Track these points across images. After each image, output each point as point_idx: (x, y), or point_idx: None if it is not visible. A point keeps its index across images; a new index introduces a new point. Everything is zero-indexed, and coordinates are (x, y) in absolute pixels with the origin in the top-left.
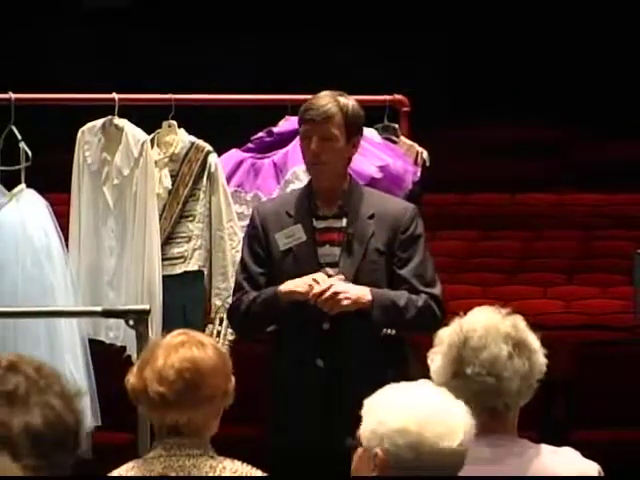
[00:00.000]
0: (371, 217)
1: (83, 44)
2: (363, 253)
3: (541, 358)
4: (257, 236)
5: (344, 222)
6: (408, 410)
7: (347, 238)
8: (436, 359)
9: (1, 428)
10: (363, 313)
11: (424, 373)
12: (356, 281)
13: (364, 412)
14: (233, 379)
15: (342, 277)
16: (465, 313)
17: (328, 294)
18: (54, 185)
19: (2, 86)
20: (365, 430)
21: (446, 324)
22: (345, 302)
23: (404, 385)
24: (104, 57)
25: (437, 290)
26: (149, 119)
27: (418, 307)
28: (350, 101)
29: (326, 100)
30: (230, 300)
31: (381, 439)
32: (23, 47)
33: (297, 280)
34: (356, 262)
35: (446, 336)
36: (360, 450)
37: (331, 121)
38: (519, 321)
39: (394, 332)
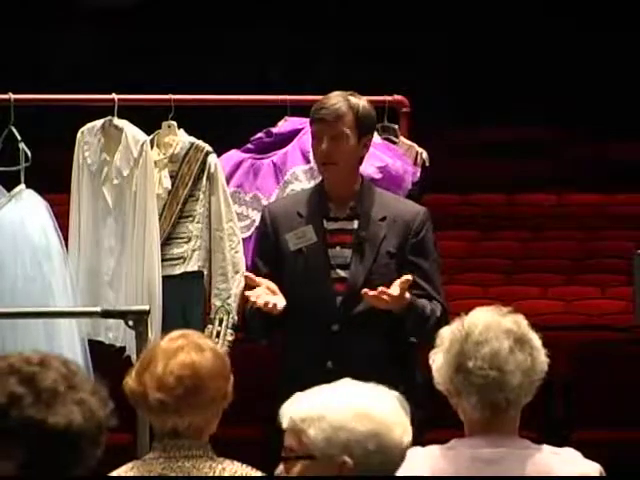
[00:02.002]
0: (383, 220)
1: (83, 44)
2: (374, 256)
3: (542, 356)
4: (267, 236)
5: (355, 224)
6: (368, 412)
7: (358, 241)
8: (437, 358)
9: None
10: (375, 314)
11: (427, 375)
12: (367, 284)
13: (302, 421)
14: (232, 379)
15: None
16: (466, 313)
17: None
18: (54, 185)
19: (1, 86)
20: (316, 439)
21: (447, 323)
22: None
23: (331, 388)
24: (104, 57)
25: (443, 297)
26: (149, 120)
27: (437, 317)
28: (361, 101)
29: (337, 100)
30: (230, 301)
31: (345, 446)
32: (22, 47)
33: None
34: (367, 265)
35: (447, 334)
36: (303, 462)
37: (342, 120)
38: (521, 319)
39: (416, 340)
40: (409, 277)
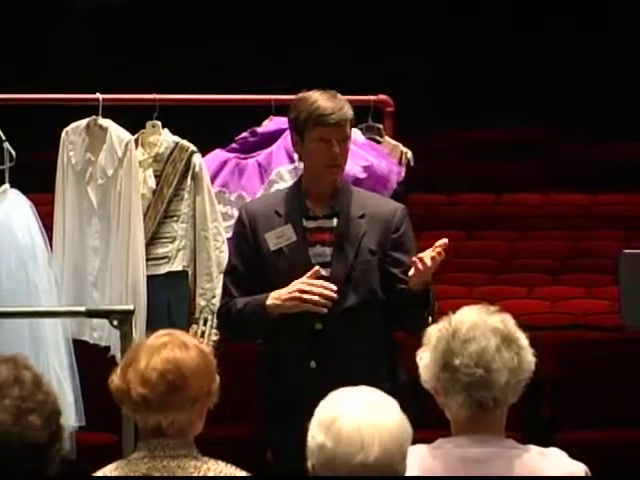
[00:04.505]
0: (362, 217)
1: (77, 43)
2: (355, 253)
3: (530, 356)
4: (245, 236)
5: (334, 222)
6: (330, 424)
7: (339, 238)
8: (425, 356)
9: None
10: (355, 313)
11: (411, 374)
12: (349, 281)
13: None
14: (218, 378)
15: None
16: (454, 312)
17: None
18: (38, 185)
19: None
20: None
21: (435, 322)
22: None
23: (340, 395)
24: (97, 56)
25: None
26: (133, 119)
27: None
28: None
29: (341, 102)
30: (215, 301)
31: (310, 454)
32: (15, 46)
33: (282, 292)
34: (349, 262)
35: (435, 332)
36: None
37: (348, 123)
38: (508, 318)
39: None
40: (445, 240)
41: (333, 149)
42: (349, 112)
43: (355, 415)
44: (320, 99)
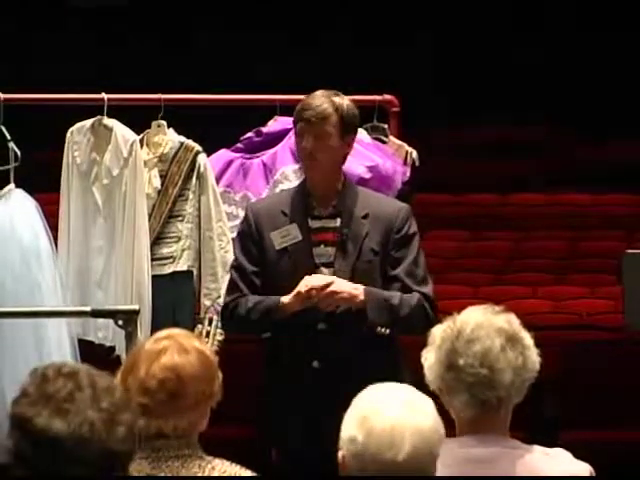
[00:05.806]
0: (365, 217)
1: (73, 43)
2: (358, 253)
3: (534, 355)
4: (251, 234)
5: (338, 222)
6: (363, 418)
7: (341, 238)
8: (429, 356)
9: None
10: (359, 313)
11: (414, 374)
12: (351, 281)
13: None
14: (220, 377)
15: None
16: (458, 313)
17: (327, 291)
18: (43, 185)
19: None
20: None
21: (440, 322)
22: (338, 298)
23: (379, 390)
24: (96, 56)
25: (428, 289)
26: (138, 119)
27: (411, 306)
28: (345, 100)
29: (322, 100)
30: (220, 301)
31: (342, 444)
32: (12, 46)
33: (294, 293)
34: (351, 262)
35: (439, 332)
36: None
37: (326, 121)
38: (513, 318)
39: (388, 331)
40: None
41: (302, 143)
42: (328, 110)
43: (390, 412)
44: (312, 97)
